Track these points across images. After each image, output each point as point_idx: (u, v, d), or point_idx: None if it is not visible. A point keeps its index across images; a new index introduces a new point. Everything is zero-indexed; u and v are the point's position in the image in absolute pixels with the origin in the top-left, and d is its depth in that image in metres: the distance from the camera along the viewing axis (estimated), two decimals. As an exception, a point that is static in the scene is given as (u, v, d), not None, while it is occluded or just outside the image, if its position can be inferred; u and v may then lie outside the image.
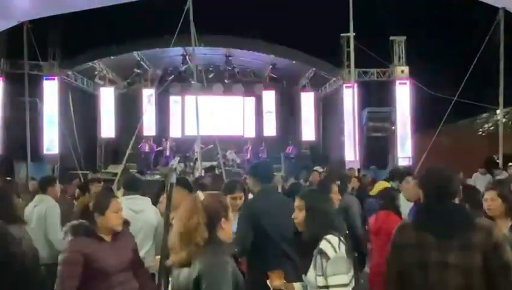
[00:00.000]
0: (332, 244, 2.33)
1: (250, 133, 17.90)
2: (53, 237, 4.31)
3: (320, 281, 2.30)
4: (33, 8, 10.24)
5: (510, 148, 11.84)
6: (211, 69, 16.37)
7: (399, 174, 5.39)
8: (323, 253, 2.30)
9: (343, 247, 2.35)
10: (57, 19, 11.44)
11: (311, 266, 2.38)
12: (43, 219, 4.45)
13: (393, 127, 14.33)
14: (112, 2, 10.48)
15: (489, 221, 2.21)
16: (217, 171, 10.81)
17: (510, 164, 9.98)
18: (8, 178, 9.86)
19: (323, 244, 2.32)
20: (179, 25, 10.15)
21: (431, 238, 2.13)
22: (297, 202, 2.62)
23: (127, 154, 13.11)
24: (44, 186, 4.90)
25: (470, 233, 2.10)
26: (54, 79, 13.77)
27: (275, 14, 16.60)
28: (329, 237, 2.35)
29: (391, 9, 14.19)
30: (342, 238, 2.39)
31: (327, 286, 2.28)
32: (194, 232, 2.02)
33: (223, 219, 2.10)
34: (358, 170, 10.33)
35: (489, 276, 2.13)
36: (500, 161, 10.93)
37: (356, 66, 12.77)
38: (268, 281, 2.55)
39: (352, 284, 2.36)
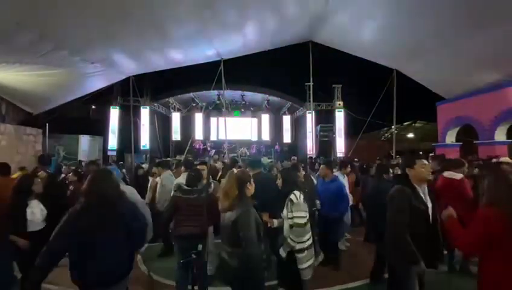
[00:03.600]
0: (296, 196, 2.38)
1: (255, 138, 17.83)
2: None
3: (289, 215, 2.37)
4: (135, 68, 10.30)
5: (399, 148, 11.84)
6: (233, 102, 16.38)
7: (343, 162, 5.49)
8: (291, 200, 2.37)
9: (301, 197, 2.40)
10: (149, 73, 11.43)
11: (285, 207, 2.43)
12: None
13: (334, 135, 14.24)
14: (179, 65, 10.52)
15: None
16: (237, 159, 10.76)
17: (398, 156, 9.98)
18: (121, 162, 9.92)
19: (291, 196, 2.39)
20: (216, 78, 10.21)
21: None
22: (278, 175, 2.70)
23: (186, 149, 13.18)
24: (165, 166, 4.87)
25: None
26: (147, 108, 13.77)
27: (269, 72, 16.63)
28: (294, 192, 2.41)
29: (333, 70, 14.21)
30: (301, 192, 2.43)
31: (293, 217, 2.34)
32: (229, 191, 2.09)
33: (248, 183, 2.15)
34: (315, 158, 10.32)
35: None
36: (393, 155, 10.91)
37: (314, 101, 12.74)
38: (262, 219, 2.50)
39: (307, 217, 2.37)
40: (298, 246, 2.30)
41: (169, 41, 8.26)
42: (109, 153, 12.79)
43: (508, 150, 8.02)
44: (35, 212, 2.86)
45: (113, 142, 12.86)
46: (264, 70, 16.32)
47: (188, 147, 13.29)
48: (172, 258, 3.77)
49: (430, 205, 2.15)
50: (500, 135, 8.26)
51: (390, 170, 4.15)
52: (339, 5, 7.35)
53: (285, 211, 2.42)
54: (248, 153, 16.15)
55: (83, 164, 7.07)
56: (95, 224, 1.81)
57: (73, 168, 6.26)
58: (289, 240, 2.33)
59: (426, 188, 2.19)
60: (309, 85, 12.42)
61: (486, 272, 1.60)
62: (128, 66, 9.79)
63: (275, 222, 2.53)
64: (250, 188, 2.16)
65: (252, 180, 2.21)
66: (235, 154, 14.15)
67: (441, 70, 8.72)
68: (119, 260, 1.90)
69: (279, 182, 2.62)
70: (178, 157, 13.43)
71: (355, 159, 9.40)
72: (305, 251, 2.31)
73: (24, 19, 5.26)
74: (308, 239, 2.36)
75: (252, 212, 2.06)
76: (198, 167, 3.52)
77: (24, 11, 5.09)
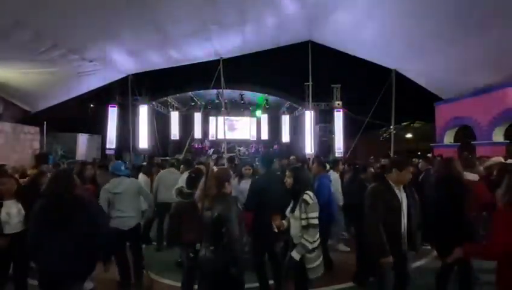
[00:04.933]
0: (310, 196, 2.33)
1: (253, 137, 17.85)
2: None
3: (303, 216, 2.30)
4: (134, 66, 10.26)
5: (397, 148, 11.86)
6: (232, 102, 16.33)
7: (335, 161, 5.55)
8: (305, 201, 2.31)
9: (315, 198, 2.36)
10: (148, 72, 11.32)
11: (297, 208, 2.36)
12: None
13: (332, 135, 14.26)
14: (178, 64, 10.48)
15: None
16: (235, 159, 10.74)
17: (395, 156, 9.98)
18: (119, 161, 9.87)
19: (305, 196, 2.32)
20: (215, 77, 10.20)
21: None
22: (288, 174, 2.54)
23: (185, 148, 13.17)
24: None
25: None
26: (145, 106, 13.68)
27: (269, 71, 16.66)
28: (308, 192, 2.36)
29: (332, 69, 14.25)
30: (313, 192, 2.41)
31: (307, 218, 2.29)
32: (208, 190, 2.14)
33: (226, 182, 2.18)
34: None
35: None
36: (392, 155, 10.90)
37: (312, 101, 12.74)
38: (272, 221, 2.45)
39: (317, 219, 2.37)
40: (311, 246, 2.30)
41: (169, 40, 8.23)
42: (107, 152, 12.73)
43: (506, 150, 8.05)
44: (11, 213, 2.67)
45: (111, 141, 12.80)
46: (263, 69, 16.33)
47: (186, 146, 13.27)
48: (171, 258, 3.77)
49: (405, 201, 2.38)
50: (498, 135, 8.29)
51: (372, 169, 4.17)
52: (338, 5, 7.35)
53: (297, 211, 2.34)
54: (246, 153, 16.14)
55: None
56: (48, 222, 1.91)
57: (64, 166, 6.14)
58: (304, 242, 2.27)
59: (402, 186, 2.41)
60: (308, 85, 12.43)
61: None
62: (126, 65, 9.75)
63: (285, 224, 2.45)
64: (228, 187, 2.20)
65: (231, 179, 2.23)
66: (233, 154, 14.13)
67: (439, 70, 8.74)
68: (71, 261, 1.92)
69: (289, 180, 2.49)
70: (177, 156, 13.42)
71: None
72: (315, 251, 2.32)
73: (22, 17, 5.23)
74: (318, 238, 2.37)
75: (234, 208, 2.10)
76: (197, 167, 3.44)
77: (22, 9, 5.05)
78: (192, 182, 2.69)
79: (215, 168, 2.35)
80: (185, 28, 7.59)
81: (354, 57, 10.19)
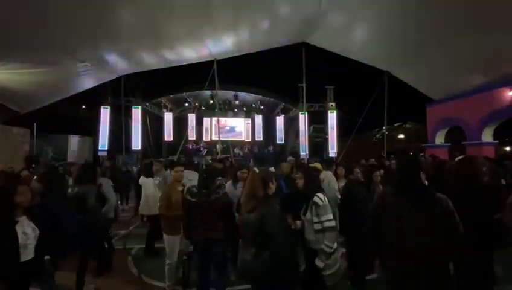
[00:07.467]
0: (320, 198, 2.29)
1: (248, 138, 17.82)
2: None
3: (315, 219, 2.27)
4: (127, 67, 10.13)
5: (390, 149, 11.96)
6: (226, 103, 16.28)
7: (329, 161, 5.54)
8: (316, 203, 2.28)
9: (326, 199, 2.32)
10: (141, 73, 11.18)
11: (308, 211, 2.33)
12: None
13: (326, 136, 14.34)
14: (171, 65, 10.39)
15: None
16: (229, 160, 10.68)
17: (392, 156, 10.07)
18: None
19: (315, 199, 2.29)
20: (209, 78, 10.14)
21: None
22: (300, 175, 2.50)
23: (179, 149, 13.05)
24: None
25: None
26: (138, 108, 13.56)
27: (263, 73, 16.66)
28: (318, 194, 2.32)
29: (326, 72, 14.36)
30: (324, 194, 2.35)
31: (321, 221, 2.25)
32: (256, 192, 2.09)
33: (270, 182, 2.13)
34: (307, 159, 10.34)
35: None
36: (385, 155, 11.00)
37: (306, 102, 12.81)
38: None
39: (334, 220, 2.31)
40: (330, 251, 2.22)
41: (162, 41, 8.15)
42: (100, 153, 12.52)
43: (495, 150, 8.20)
44: (28, 233, 2.06)
45: (103, 142, 12.60)
46: (257, 71, 16.34)
47: (180, 148, 13.14)
48: (164, 261, 3.71)
49: None
50: (487, 135, 8.45)
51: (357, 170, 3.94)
52: (331, 8, 7.40)
53: (308, 214, 2.31)
54: (241, 154, 16.10)
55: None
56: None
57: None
58: (325, 247, 2.20)
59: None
60: (302, 86, 12.47)
61: None
62: (119, 65, 9.61)
63: (299, 224, 2.43)
64: (272, 187, 2.14)
65: (274, 178, 2.18)
66: (228, 155, 14.06)
67: (430, 72, 8.87)
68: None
69: (300, 182, 2.47)
70: (171, 157, 13.28)
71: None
72: (332, 256, 2.23)
73: (13, 17, 5.11)
74: (336, 242, 2.29)
75: (278, 211, 2.05)
76: (176, 168, 3.30)
77: (13, 10, 4.94)
78: (206, 182, 2.59)
79: (256, 170, 2.34)
80: (179, 28, 7.53)
81: (348, 59, 10.27)
